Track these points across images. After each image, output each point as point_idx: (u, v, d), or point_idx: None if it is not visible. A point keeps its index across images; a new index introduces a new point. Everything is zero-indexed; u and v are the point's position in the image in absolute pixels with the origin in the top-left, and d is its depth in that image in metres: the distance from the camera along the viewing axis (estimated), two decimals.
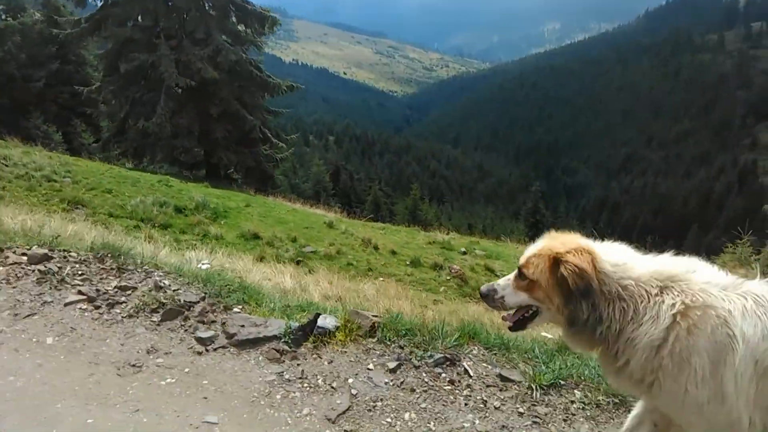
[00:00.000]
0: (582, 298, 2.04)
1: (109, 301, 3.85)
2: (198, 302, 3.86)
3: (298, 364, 3.25)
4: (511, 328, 2.41)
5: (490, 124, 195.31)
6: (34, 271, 4.16)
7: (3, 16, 38.58)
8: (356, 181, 72.81)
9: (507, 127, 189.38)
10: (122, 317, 3.69)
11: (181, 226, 13.74)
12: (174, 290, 4.04)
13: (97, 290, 3.94)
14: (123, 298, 3.90)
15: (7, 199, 12.99)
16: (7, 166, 15.12)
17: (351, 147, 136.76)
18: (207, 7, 26.15)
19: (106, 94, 27.34)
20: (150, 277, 4.24)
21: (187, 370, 3.20)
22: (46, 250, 4.45)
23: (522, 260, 2.28)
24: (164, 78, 24.15)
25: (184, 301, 3.83)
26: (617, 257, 2.13)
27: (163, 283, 4.09)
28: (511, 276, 2.34)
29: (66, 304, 3.77)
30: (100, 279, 4.14)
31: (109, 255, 4.45)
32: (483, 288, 2.40)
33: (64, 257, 4.48)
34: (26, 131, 31.36)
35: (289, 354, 3.34)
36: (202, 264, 4.87)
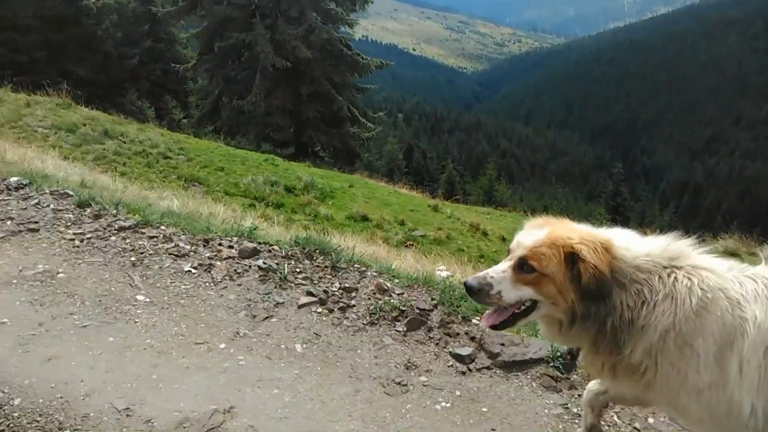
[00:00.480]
0: (601, 298, 1.88)
1: (340, 304, 3.66)
2: (432, 310, 3.60)
3: (579, 395, 2.91)
4: (495, 327, 2.14)
5: (564, 101, 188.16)
6: (251, 267, 4.03)
7: None
8: (429, 160, 72.11)
9: (582, 105, 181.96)
10: (363, 324, 3.48)
11: (293, 206, 13.82)
12: (399, 294, 3.80)
13: (325, 291, 3.75)
14: (352, 302, 3.69)
15: (129, 175, 13.50)
16: (125, 143, 15.69)
17: (420, 124, 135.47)
18: None
19: (201, 72, 27.99)
20: (365, 277, 4.03)
21: (458, 393, 2.94)
22: (255, 245, 4.32)
23: (525, 250, 2.01)
24: (260, 57, 24.38)
25: (419, 308, 3.58)
26: (625, 241, 1.99)
27: (387, 286, 3.86)
28: (504, 267, 2.05)
29: (300, 306, 3.59)
30: (320, 278, 3.96)
31: (317, 251, 4.27)
32: (472, 281, 2.05)
33: (269, 251, 4.35)
34: (122, 107, 32.71)
35: (565, 382, 3.01)
36: (441, 271, 4.61)
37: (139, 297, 3.60)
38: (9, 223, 4.46)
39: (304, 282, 3.88)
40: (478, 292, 2.04)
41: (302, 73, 26.00)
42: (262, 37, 24.37)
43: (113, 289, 3.68)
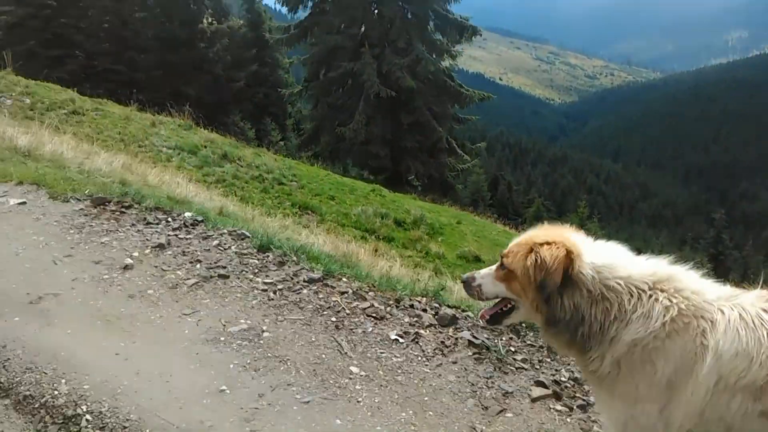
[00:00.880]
0: (545, 291, 2.01)
1: (577, 401, 3.18)
2: None
3: None
4: (488, 322, 2.37)
5: (657, 138, 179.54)
6: (458, 340, 3.65)
7: (210, 20, 42.60)
8: (514, 192, 70.58)
9: (676, 144, 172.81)
10: None
11: (403, 240, 13.56)
12: None
13: (555, 382, 3.30)
14: (590, 398, 3.20)
15: (248, 200, 13.76)
16: (242, 167, 16.14)
17: (503, 155, 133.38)
18: (409, 16, 26.31)
19: (306, 98, 28.71)
20: None
21: None
22: (453, 312, 3.95)
23: (505, 250, 2.23)
24: (366, 86, 24.68)
25: None
26: (606, 257, 2.05)
27: None
28: (494, 267, 2.28)
29: (533, 400, 3.15)
30: (540, 361, 3.51)
31: (524, 324, 3.83)
32: (464, 275, 2.36)
33: (466, 318, 3.95)
34: (225, 126, 34.22)
35: None
36: None
37: (353, 369, 3.30)
38: (199, 266, 4.35)
39: (524, 365, 3.44)
40: (465, 283, 2.33)
41: (404, 103, 26.07)
42: (369, 66, 24.71)
43: (324, 356, 3.40)
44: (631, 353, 1.93)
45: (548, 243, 2.04)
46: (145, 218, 5.16)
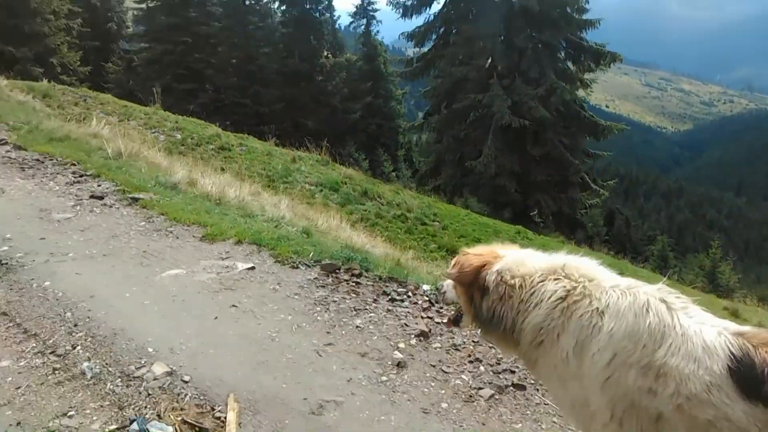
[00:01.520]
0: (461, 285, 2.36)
1: None
2: None
3: None
4: (452, 324, 2.70)
5: None
6: None
7: (326, 54, 43.82)
8: (632, 228, 66.08)
9: None
10: None
11: None
12: None
13: None
14: None
15: (395, 241, 13.16)
16: (383, 205, 15.71)
17: (613, 186, 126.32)
18: (541, 46, 25.21)
19: (428, 130, 28.26)
20: None
21: None
22: None
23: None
24: (494, 118, 23.76)
25: None
26: (511, 261, 2.26)
27: None
28: None
29: None
30: None
31: None
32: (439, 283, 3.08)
33: None
34: (340, 157, 34.62)
35: None
36: None
37: None
38: (482, 368, 3.54)
39: None
40: (437, 290, 3.23)
41: (533, 135, 24.84)
42: (499, 97, 23.80)
43: None
44: (540, 338, 2.11)
45: (475, 254, 2.35)
46: (384, 291, 4.48)
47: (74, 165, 7.31)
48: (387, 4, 28.14)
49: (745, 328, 1.92)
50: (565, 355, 2.03)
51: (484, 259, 2.29)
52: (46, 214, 5.74)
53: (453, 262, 2.45)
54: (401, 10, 27.71)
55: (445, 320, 4.01)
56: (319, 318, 4.00)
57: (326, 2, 43.10)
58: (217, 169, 14.06)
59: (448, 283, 2.57)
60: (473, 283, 2.26)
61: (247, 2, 40.99)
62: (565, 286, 2.09)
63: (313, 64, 42.47)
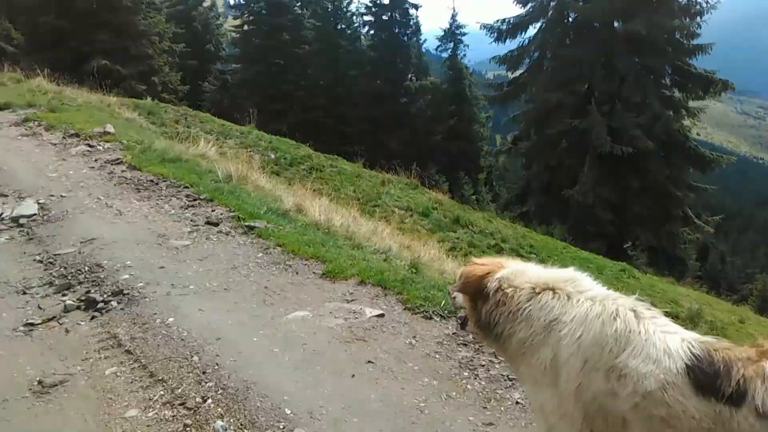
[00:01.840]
0: (464, 292, 2.56)
1: None
2: None
3: None
4: (460, 327, 3.05)
5: None
6: None
7: (411, 77, 43.86)
8: (727, 264, 61.26)
9: None
10: None
11: None
12: None
13: None
14: None
15: None
16: (475, 233, 15.09)
17: (716, 222, 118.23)
18: (644, 71, 23.81)
19: (518, 155, 27.37)
20: None
21: None
22: None
23: None
24: (593, 145, 22.56)
25: None
26: (511, 271, 2.41)
27: None
28: None
29: None
30: None
31: None
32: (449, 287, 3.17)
33: None
34: (422, 179, 34.22)
35: None
36: None
37: None
38: None
39: None
40: (449, 295, 3.14)
41: (633, 165, 23.35)
42: (598, 123, 22.59)
43: None
44: (523, 350, 2.28)
45: (480, 264, 2.55)
46: None
47: (187, 188, 7.25)
48: (481, 28, 27.66)
49: (711, 339, 2.02)
50: (544, 367, 2.19)
51: (488, 269, 2.45)
52: (163, 240, 5.60)
53: (460, 272, 2.65)
54: (495, 35, 27.15)
55: None
56: (468, 386, 3.47)
57: (414, 27, 43.31)
58: (312, 191, 14.02)
59: (458, 291, 2.70)
60: (477, 290, 2.43)
61: (339, 26, 41.82)
62: (550, 304, 2.22)
63: (398, 86, 42.67)
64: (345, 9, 42.25)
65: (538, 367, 2.21)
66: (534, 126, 26.62)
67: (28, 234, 5.83)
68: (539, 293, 2.26)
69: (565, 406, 2.13)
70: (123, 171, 7.75)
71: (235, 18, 41.46)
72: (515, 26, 26.69)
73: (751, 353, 1.87)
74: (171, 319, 4.14)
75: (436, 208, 16.26)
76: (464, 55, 44.61)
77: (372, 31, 43.76)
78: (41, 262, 5.16)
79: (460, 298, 2.69)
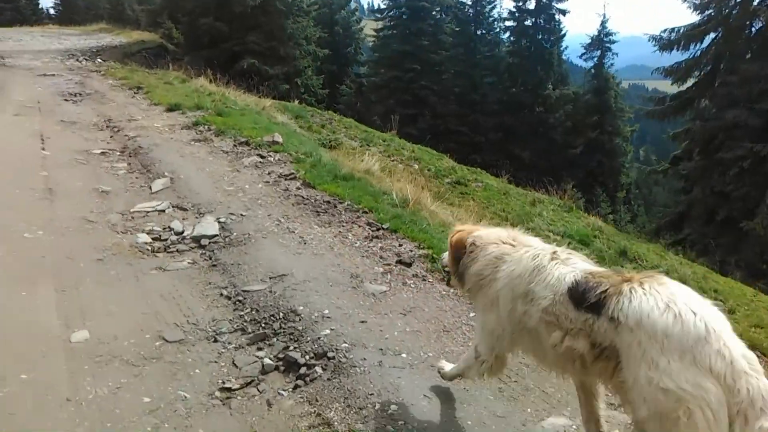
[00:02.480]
0: (452, 253, 3.33)
1: None
2: None
3: None
4: (447, 283, 4.28)
5: None
6: None
7: (550, 86, 41.47)
8: None
9: None
10: None
11: None
12: None
13: None
14: None
15: None
16: (644, 269, 13.24)
17: None
18: None
19: (675, 177, 24.47)
20: None
21: None
22: None
23: None
24: None
25: None
26: (484, 232, 3.22)
27: None
28: None
29: None
30: None
31: None
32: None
33: None
34: (555, 194, 31.96)
35: None
36: None
37: None
38: None
39: None
40: (441, 258, 3.98)
41: None
42: None
43: None
44: (479, 282, 3.03)
45: (460, 230, 3.35)
46: None
47: (366, 213, 6.53)
48: (649, 40, 25.03)
49: (598, 269, 2.70)
50: (491, 297, 2.95)
51: (467, 232, 3.27)
52: (357, 282, 4.84)
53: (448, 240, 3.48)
54: (661, 45, 24.43)
55: None
56: None
57: (558, 33, 41.00)
58: (458, 206, 13.04)
59: (444, 254, 3.61)
60: (457, 249, 3.25)
61: (478, 32, 40.61)
62: (501, 250, 2.98)
63: (536, 95, 40.60)
64: (487, 14, 40.88)
65: (488, 297, 2.96)
66: (700, 146, 23.61)
67: (210, 258, 5.37)
68: (497, 245, 3.00)
69: (501, 326, 2.90)
70: (298, 188, 7.23)
71: (376, 21, 41.68)
72: (688, 36, 23.80)
73: (617, 279, 2.45)
74: (393, 407, 3.29)
75: (596, 236, 14.55)
76: (612, 64, 41.66)
77: (512, 37, 42.05)
78: (229, 298, 4.60)
79: (446, 258, 3.51)
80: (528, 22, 41.31)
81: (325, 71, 37.69)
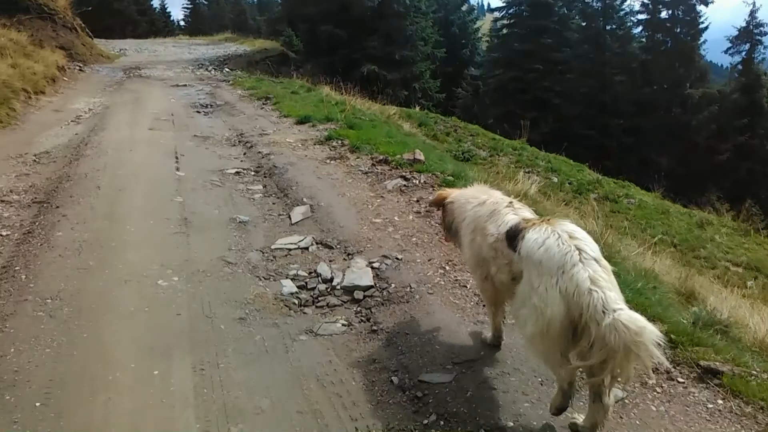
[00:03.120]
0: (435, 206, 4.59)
1: None
2: None
3: None
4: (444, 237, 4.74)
5: None
6: None
7: (690, 84, 37.26)
8: None
9: None
10: None
11: None
12: None
13: None
14: None
15: None
16: None
17: None
18: None
19: None
20: None
21: None
22: None
23: None
24: None
25: None
26: (461, 192, 4.04)
27: None
28: None
29: None
30: None
31: None
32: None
33: None
34: (698, 206, 28.30)
35: None
36: None
37: None
38: None
39: None
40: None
41: None
42: None
43: None
44: (460, 226, 3.77)
45: (443, 192, 4.27)
46: None
47: None
48: None
49: (534, 216, 3.34)
50: (467, 240, 3.64)
51: (448, 192, 4.18)
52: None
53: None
54: None
55: None
56: None
57: (699, 26, 36.84)
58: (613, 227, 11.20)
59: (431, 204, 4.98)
60: (437, 202, 4.26)
61: (607, 27, 37.44)
62: (472, 203, 3.69)
63: (673, 95, 36.79)
64: (617, 7, 37.56)
65: (464, 237, 3.69)
66: None
67: (368, 320, 4.30)
68: (471, 200, 3.75)
69: (473, 258, 3.58)
70: None
71: (495, 21, 39.85)
72: None
73: (534, 221, 3.07)
74: None
75: None
76: (763, 59, 36.90)
77: (646, 32, 38.44)
78: (403, 390, 3.46)
79: (439, 216, 4.50)
80: (664, 14, 37.57)
81: (441, 73, 36.50)
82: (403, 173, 7.68)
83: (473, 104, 39.18)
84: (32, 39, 18.61)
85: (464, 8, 44.58)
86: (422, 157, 8.26)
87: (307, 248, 5.51)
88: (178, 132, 10.42)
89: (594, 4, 37.48)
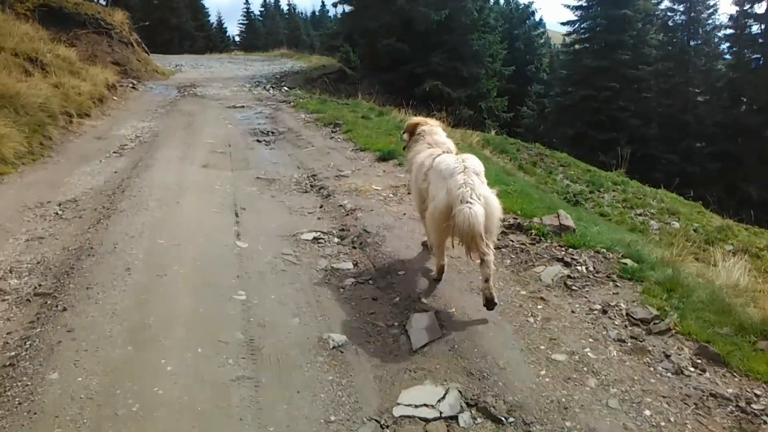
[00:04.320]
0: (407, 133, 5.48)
1: None
2: None
3: None
4: (404, 149, 5.69)
5: None
6: None
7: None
8: None
9: None
10: None
11: None
12: None
13: None
14: None
15: None
16: None
17: None
18: None
19: None
20: None
21: None
22: None
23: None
24: None
25: None
26: (431, 128, 5.24)
27: None
28: None
29: None
30: None
31: None
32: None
33: None
34: None
35: None
36: None
37: None
38: None
39: None
40: (402, 138, 5.80)
41: None
42: None
43: None
44: (413, 155, 5.02)
45: (417, 120, 5.52)
46: None
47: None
48: None
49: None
50: (416, 166, 4.85)
51: (418, 121, 5.41)
52: None
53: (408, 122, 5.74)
54: None
55: None
56: None
57: None
58: None
59: (404, 135, 5.54)
60: (412, 131, 5.34)
61: (692, 42, 34.16)
62: (427, 141, 5.08)
63: (766, 117, 33.04)
64: (704, 21, 34.26)
65: (415, 167, 4.88)
66: None
67: None
68: (427, 135, 5.11)
69: (415, 188, 4.82)
70: (693, 369, 3.66)
71: (566, 36, 37.11)
72: None
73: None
74: None
75: None
76: None
77: (734, 47, 34.95)
78: None
79: (405, 136, 5.45)
80: (756, 28, 34.00)
81: (506, 91, 34.04)
82: (555, 252, 5.34)
83: (539, 124, 36.47)
84: (85, 54, 17.35)
85: (529, 23, 41.96)
86: (571, 223, 5.91)
87: (455, 418, 3.23)
88: (237, 172, 8.43)
89: (677, 18, 34.34)
